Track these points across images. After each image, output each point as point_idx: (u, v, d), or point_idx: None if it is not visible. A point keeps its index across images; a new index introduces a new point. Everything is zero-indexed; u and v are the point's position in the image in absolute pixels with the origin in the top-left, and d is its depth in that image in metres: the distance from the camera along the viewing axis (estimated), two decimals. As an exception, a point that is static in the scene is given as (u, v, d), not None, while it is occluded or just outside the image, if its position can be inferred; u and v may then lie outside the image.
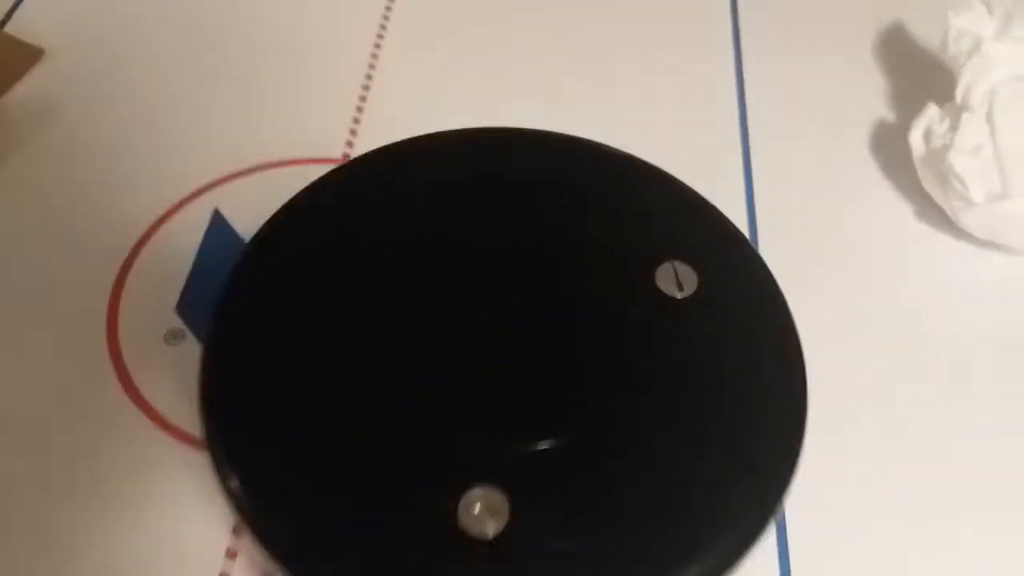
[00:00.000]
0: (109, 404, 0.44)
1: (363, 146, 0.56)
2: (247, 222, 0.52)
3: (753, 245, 0.26)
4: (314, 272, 0.26)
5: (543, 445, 0.21)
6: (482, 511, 0.20)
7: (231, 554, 0.40)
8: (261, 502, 0.22)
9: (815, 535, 0.41)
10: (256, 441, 0.23)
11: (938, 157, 0.52)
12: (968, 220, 0.52)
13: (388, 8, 0.65)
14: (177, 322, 0.47)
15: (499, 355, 0.22)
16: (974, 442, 0.45)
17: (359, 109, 0.58)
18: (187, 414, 0.44)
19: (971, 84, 0.53)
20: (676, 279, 0.23)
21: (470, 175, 0.26)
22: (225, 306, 0.25)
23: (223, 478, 0.23)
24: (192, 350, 0.47)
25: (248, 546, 0.40)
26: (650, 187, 0.26)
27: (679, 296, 0.24)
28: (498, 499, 0.20)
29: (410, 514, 0.20)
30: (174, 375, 0.46)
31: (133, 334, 0.47)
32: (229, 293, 0.26)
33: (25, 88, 0.58)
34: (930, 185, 0.54)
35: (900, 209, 0.56)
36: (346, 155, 0.56)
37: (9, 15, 0.62)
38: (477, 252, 0.24)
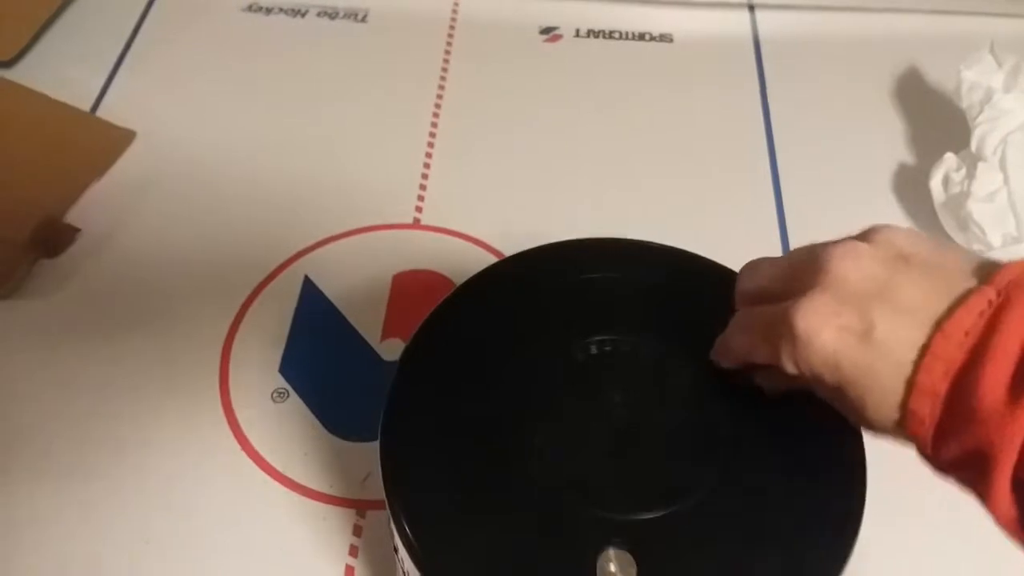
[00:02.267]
0: (227, 458, 0.50)
1: (429, 215, 0.62)
2: (335, 286, 0.58)
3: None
4: (473, 360, 0.31)
5: (662, 513, 0.27)
6: (616, 569, 0.26)
7: (346, 590, 0.46)
8: (438, 554, 0.27)
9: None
10: (432, 503, 0.28)
11: (957, 203, 0.57)
12: (987, 260, 0.57)
13: (439, 98, 0.71)
14: (281, 382, 0.53)
15: (627, 434, 0.27)
16: None
17: (422, 186, 0.63)
18: (297, 466, 0.50)
19: (985, 134, 0.58)
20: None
21: (607, 277, 0.32)
22: (408, 358, 0.31)
23: (394, 500, 0.28)
24: (297, 407, 0.52)
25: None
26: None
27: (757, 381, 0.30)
28: (627, 558, 0.26)
29: (557, 568, 0.25)
30: (282, 430, 0.51)
31: (243, 393, 0.52)
32: (412, 348, 0.31)
33: (122, 168, 0.64)
34: (951, 229, 0.59)
35: (924, 248, 0.61)
36: (416, 220, 0.62)
37: (99, 101, 0.68)
38: (613, 343, 0.30)
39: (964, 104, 0.60)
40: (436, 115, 0.68)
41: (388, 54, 0.72)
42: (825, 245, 0.28)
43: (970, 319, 0.24)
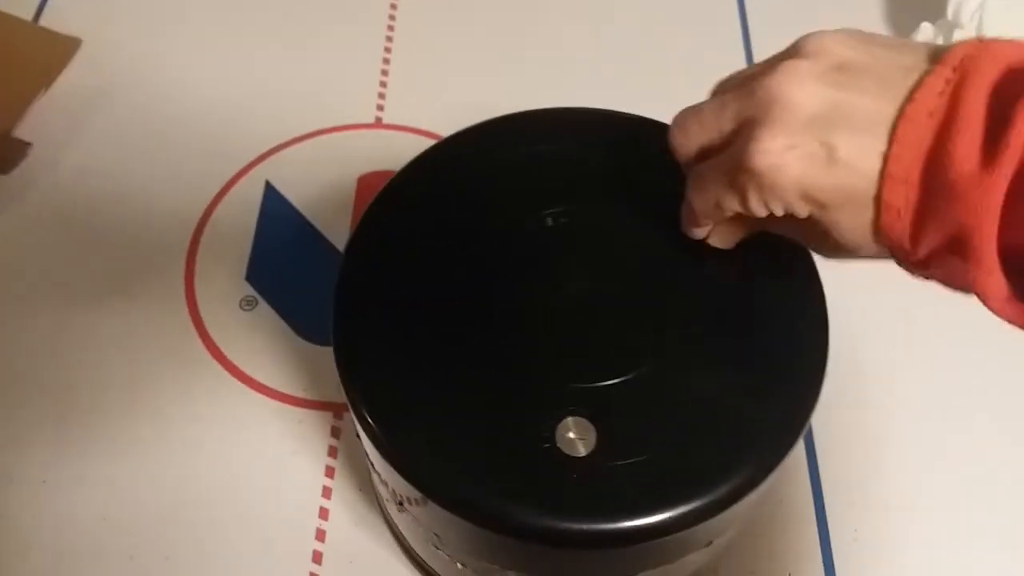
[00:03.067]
0: (198, 367, 0.49)
1: (392, 112, 0.60)
2: (297, 191, 0.56)
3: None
4: (430, 224, 0.30)
5: (619, 380, 0.26)
6: (575, 436, 0.25)
7: (326, 493, 0.46)
8: (387, 415, 0.26)
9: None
10: (389, 385, 0.27)
11: (933, 75, 0.56)
12: (963, 133, 0.56)
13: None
14: (249, 290, 0.52)
15: (583, 304, 0.27)
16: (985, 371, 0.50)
17: (382, 84, 0.61)
18: (271, 373, 0.49)
19: (961, 1, 0.56)
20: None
21: (555, 148, 0.30)
22: (354, 245, 0.30)
23: (350, 386, 0.27)
24: (266, 314, 0.52)
25: (342, 483, 0.46)
26: None
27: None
28: (586, 425, 0.25)
29: (517, 439, 0.25)
30: (254, 338, 0.51)
31: (210, 302, 0.52)
32: (357, 235, 0.30)
33: (69, 78, 0.61)
34: (927, 101, 0.57)
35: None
36: (378, 119, 0.60)
37: (40, 9, 0.64)
38: (565, 214, 0.29)
39: (941, -30, 0.57)
40: (392, 12, 0.65)
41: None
42: (756, 72, 0.27)
43: (931, 100, 0.23)
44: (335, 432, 0.48)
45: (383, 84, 0.61)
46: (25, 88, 0.60)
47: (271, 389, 0.49)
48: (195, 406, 0.48)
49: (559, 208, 0.30)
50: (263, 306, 0.52)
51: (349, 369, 0.28)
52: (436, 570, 0.33)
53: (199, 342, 0.50)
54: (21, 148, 0.57)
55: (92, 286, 0.52)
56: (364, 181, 0.57)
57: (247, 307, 0.52)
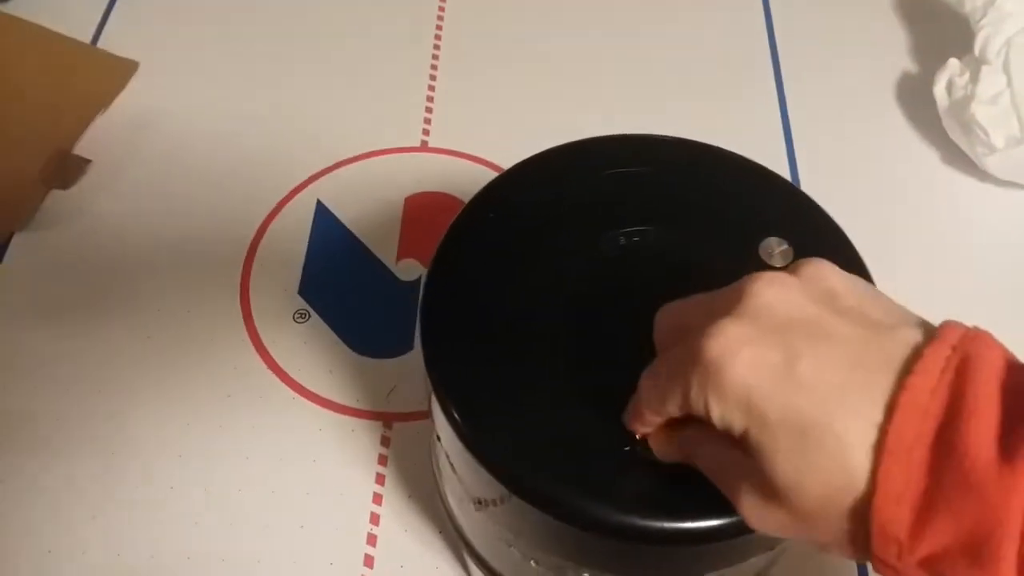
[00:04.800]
0: (253, 378, 0.51)
1: (437, 137, 0.62)
2: (347, 209, 0.59)
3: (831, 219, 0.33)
4: (508, 241, 0.31)
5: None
6: None
7: (377, 499, 0.48)
8: (474, 415, 0.28)
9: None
10: (469, 364, 0.29)
11: (961, 107, 0.58)
12: (991, 164, 0.58)
13: (439, 25, 0.70)
14: (302, 303, 0.54)
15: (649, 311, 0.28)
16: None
17: (428, 109, 0.63)
18: (323, 383, 0.51)
19: (988, 38, 0.58)
20: (775, 252, 0.30)
21: (623, 172, 0.32)
22: (439, 259, 0.32)
23: (439, 388, 0.29)
24: (318, 327, 0.53)
25: (392, 491, 0.48)
26: (754, 179, 0.33)
27: (778, 266, 0.30)
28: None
29: (602, 441, 0.27)
30: (306, 350, 0.52)
31: (265, 315, 0.53)
32: (441, 250, 0.32)
33: (127, 99, 0.63)
34: (955, 133, 0.60)
35: (928, 156, 0.62)
36: (424, 143, 0.62)
37: (99, 32, 0.67)
38: (639, 234, 0.31)
39: (967, 8, 0.60)
40: (438, 40, 0.68)
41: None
42: (750, 275, 0.24)
43: (933, 377, 0.21)
44: (385, 441, 0.49)
45: (429, 110, 0.63)
46: (84, 109, 0.62)
47: (323, 399, 0.51)
48: (250, 414, 0.50)
49: (633, 228, 0.32)
50: (315, 319, 0.54)
51: (437, 371, 0.29)
52: (502, 571, 0.35)
53: (255, 353, 0.52)
54: (81, 165, 0.60)
55: (148, 300, 0.54)
56: (411, 201, 0.59)
57: (300, 320, 0.54)
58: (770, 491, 0.23)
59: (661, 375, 0.25)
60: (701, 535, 0.26)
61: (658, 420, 0.26)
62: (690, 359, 0.24)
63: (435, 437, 0.33)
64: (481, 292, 0.31)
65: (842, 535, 0.22)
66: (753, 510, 0.24)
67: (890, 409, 0.21)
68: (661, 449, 0.27)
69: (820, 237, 0.32)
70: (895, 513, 0.21)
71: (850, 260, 0.31)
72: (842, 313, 0.23)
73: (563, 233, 0.32)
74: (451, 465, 0.31)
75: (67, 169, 0.59)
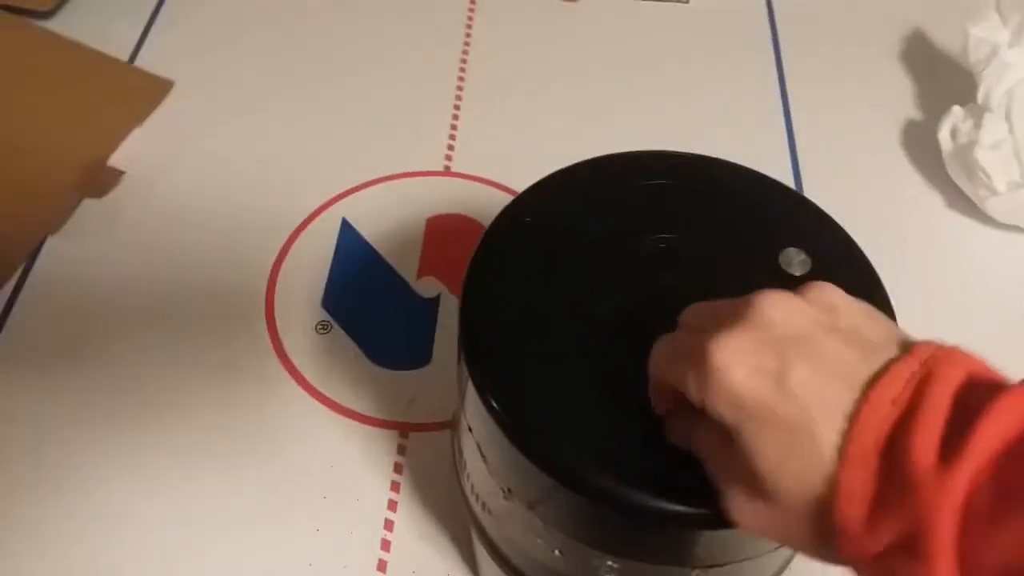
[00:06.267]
0: (277, 386, 0.52)
1: (460, 162, 0.64)
2: (370, 228, 0.61)
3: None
4: (541, 247, 0.34)
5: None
6: None
7: (392, 506, 0.49)
8: (513, 404, 0.29)
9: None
10: (507, 357, 0.31)
11: (964, 153, 0.60)
12: (993, 207, 0.60)
13: (464, 54, 0.73)
14: (324, 315, 0.56)
15: (665, 304, 0.30)
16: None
17: (451, 136, 0.66)
18: (343, 392, 0.52)
19: (991, 87, 0.61)
20: (794, 262, 0.32)
21: (649, 185, 0.34)
22: (476, 263, 0.34)
23: (478, 378, 0.30)
24: (340, 339, 0.55)
25: (407, 498, 0.49)
26: (773, 193, 0.35)
27: (797, 274, 0.32)
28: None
29: (638, 431, 0.29)
30: (327, 360, 0.54)
31: (288, 325, 0.55)
32: (479, 255, 0.34)
33: (162, 115, 0.66)
34: (958, 177, 0.62)
35: (932, 199, 0.64)
36: (446, 167, 0.64)
37: (136, 51, 0.70)
38: (660, 240, 0.33)
39: (971, 59, 0.63)
40: (462, 70, 0.70)
41: (414, 12, 0.74)
42: (763, 291, 0.27)
43: (896, 388, 0.24)
44: (401, 450, 0.51)
45: (452, 136, 0.66)
46: (120, 123, 0.65)
47: (343, 407, 0.52)
48: (273, 422, 0.51)
49: (659, 237, 0.34)
50: (337, 331, 0.55)
51: (477, 364, 0.31)
52: (523, 568, 0.36)
53: (278, 362, 0.54)
54: (115, 176, 0.62)
55: (174, 306, 0.56)
56: (433, 222, 0.61)
57: (322, 331, 0.55)
58: (753, 485, 0.26)
59: (664, 353, 0.29)
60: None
61: (664, 397, 0.29)
62: (696, 355, 0.26)
63: (464, 429, 0.34)
64: (516, 292, 0.33)
65: (813, 533, 0.25)
66: (736, 502, 0.27)
67: (854, 418, 0.24)
68: (673, 433, 0.29)
69: (836, 248, 0.34)
70: (852, 513, 0.24)
71: (864, 271, 0.33)
72: (838, 332, 0.26)
73: (592, 239, 0.34)
74: (483, 457, 0.33)
75: (101, 179, 0.61)
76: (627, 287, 0.33)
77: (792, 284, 0.31)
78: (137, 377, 0.52)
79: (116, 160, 0.63)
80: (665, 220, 0.34)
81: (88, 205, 0.60)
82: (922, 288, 0.59)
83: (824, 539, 0.25)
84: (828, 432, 0.24)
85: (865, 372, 0.24)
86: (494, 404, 0.30)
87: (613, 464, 0.28)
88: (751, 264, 0.33)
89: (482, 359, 0.31)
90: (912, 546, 0.22)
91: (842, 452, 0.24)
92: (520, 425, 0.29)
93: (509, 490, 0.32)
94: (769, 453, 0.25)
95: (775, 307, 0.26)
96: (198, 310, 0.56)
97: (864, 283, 0.33)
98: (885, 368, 0.24)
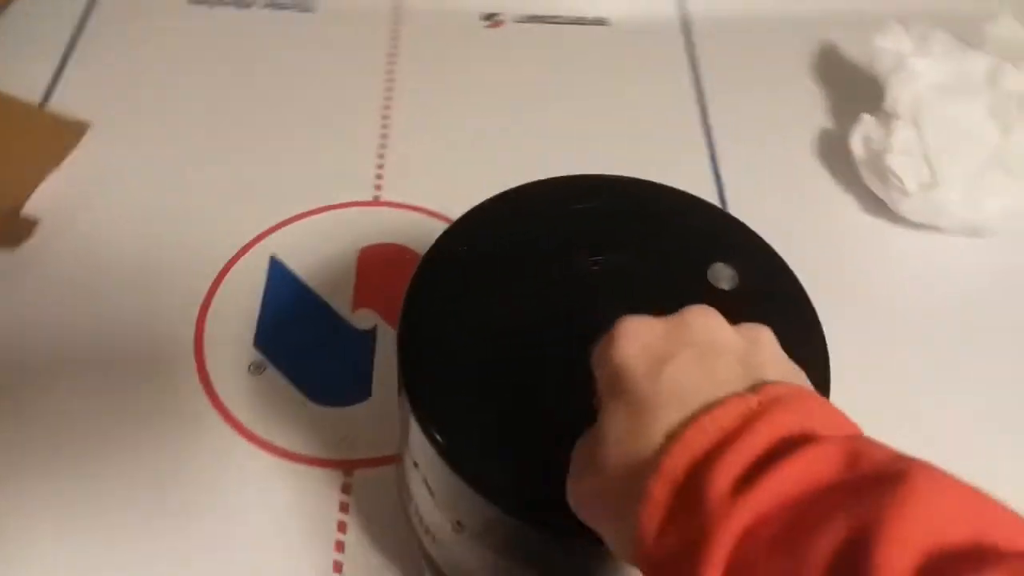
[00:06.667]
0: (210, 431, 0.51)
1: (390, 191, 0.64)
2: (301, 263, 0.60)
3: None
4: (476, 274, 0.34)
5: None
6: None
7: (339, 547, 0.48)
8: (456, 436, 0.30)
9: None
10: (448, 386, 0.31)
11: (876, 158, 0.63)
12: (906, 208, 0.62)
13: (389, 82, 0.73)
14: (257, 355, 0.55)
15: (598, 323, 0.31)
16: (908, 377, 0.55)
17: (379, 165, 0.66)
18: (280, 433, 0.51)
19: (898, 95, 0.63)
20: (722, 276, 0.33)
21: (581, 208, 0.35)
22: (412, 293, 0.33)
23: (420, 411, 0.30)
24: (274, 378, 0.54)
25: (355, 537, 0.48)
26: (699, 211, 0.36)
27: (726, 288, 0.33)
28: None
29: (552, 430, 0.29)
30: (263, 401, 0.53)
31: (220, 369, 0.54)
32: (414, 285, 0.34)
33: (77, 159, 0.64)
34: (872, 183, 0.64)
35: (847, 203, 0.66)
36: (376, 197, 0.64)
37: (49, 94, 0.68)
38: (592, 262, 0.33)
39: (878, 69, 0.65)
40: (388, 97, 0.70)
41: (336, 42, 0.74)
42: (694, 305, 0.28)
43: (727, 419, 0.24)
44: (346, 488, 0.50)
45: (380, 165, 0.66)
46: (33, 170, 0.62)
47: (282, 450, 0.51)
48: (209, 472, 0.50)
49: (593, 258, 0.34)
50: (271, 371, 0.54)
51: (417, 395, 0.31)
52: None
53: (210, 406, 0.52)
54: (29, 226, 0.59)
55: (99, 356, 0.54)
56: (365, 253, 0.60)
57: (255, 372, 0.54)
58: (592, 454, 0.27)
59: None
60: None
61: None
62: (609, 331, 0.27)
63: (408, 464, 0.34)
64: (454, 321, 0.33)
65: (619, 521, 0.26)
66: (574, 470, 0.28)
67: (678, 435, 0.25)
68: None
69: (761, 262, 0.35)
70: (651, 515, 0.24)
71: (788, 281, 0.34)
72: (745, 361, 0.27)
73: (527, 264, 0.34)
74: (429, 490, 0.32)
75: (15, 229, 0.59)
76: (563, 309, 0.33)
77: (721, 298, 0.32)
78: (61, 431, 0.50)
79: (33, 205, 0.61)
80: (597, 242, 0.35)
81: (2, 256, 0.58)
82: (844, 291, 0.60)
83: (624, 530, 0.25)
84: (661, 432, 0.25)
85: (722, 390, 0.25)
86: (438, 437, 0.30)
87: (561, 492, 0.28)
88: (682, 281, 0.33)
89: (423, 393, 0.31)
90: (692, 550, 0.23)
91: (656, 465, 0.24)
92: (465, 456, 0.29)
93: (458, 523, 0.32)
94: (616, 427, 0.26)
95: (698, 315, 0.27)
96: (123, 358, 0.54)
97: (789, 293, 0.34)
98: (721, 401, 0.25)
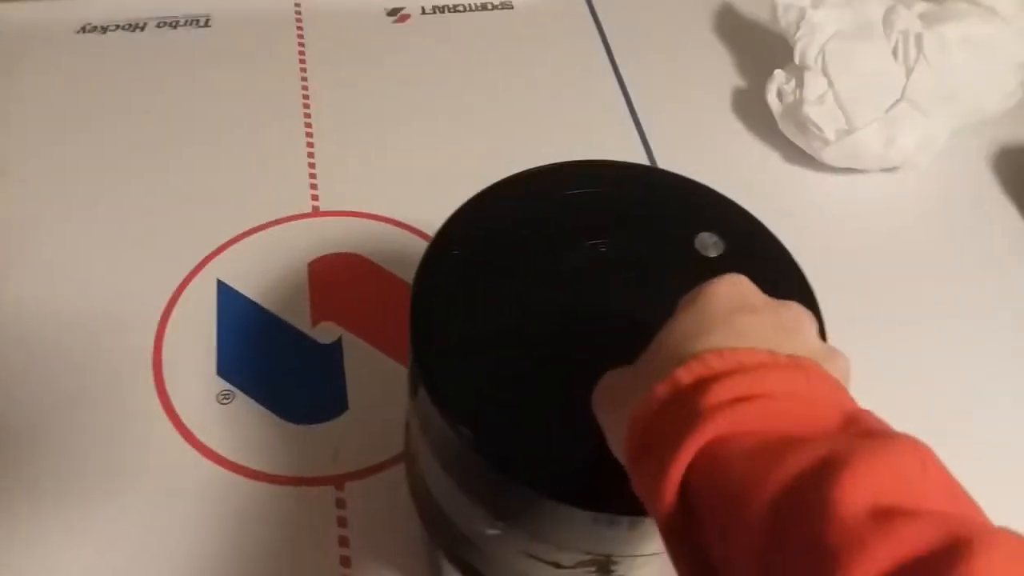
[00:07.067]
0: (190, 471, 0.49)
1: (327, 200, 0.63)
2: (249, 283, 0.58)
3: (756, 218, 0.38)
4: (483, 259, 0.35)
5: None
6: None
7: (345, 562, 0.47)
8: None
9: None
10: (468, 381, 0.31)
11: (793, 110, 0.66)
12: (828, 155, 0.65)
13: (304, 89, 0.71)
14: (223, 384, 0.53)
15: (603, 303, 0.33)
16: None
17: (312, 175, 0.64)
18: (262, 459, 0.50)
19: (805, 47, 0.66)
20: (709, 244, 0.34)
21: (579, 194, 0.36)
22: (420, 280, 0.34)
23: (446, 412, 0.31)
24: (246, 404, 0.52)
25: (358, 550, 0.47)
26: (685, 190, 0.37)
27: (713, 255, 0.34)
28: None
29: (558, 406, 0.30)
30: (238, 429, 0.51)
31: (187, 402, 0.52)
32: (422, 273, 0.34)
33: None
34: (791, 133, 0.67)
35: (769, 156, 0.69)
36: (315, 207, 0.63)
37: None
38: (592, 244, 0.34)
39: (782, 24, 0.68)
40: (306, 105, 0.69)
41: (241, 54, 0.72)
42: (715, 278, 0.30)
43: (750, 359, 0.26)
44: (341, 503, 0.49)
45: (313, 176, 0.64)
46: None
47: (268, 475, 0.50)
48: (196, 512, 0.48)
49: (590, 240, 0.35)
50: (241, 397, 0.53)
51: (442, 396, 0.31)
52: None
53: (185, 445, 0.50)
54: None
55: (59, 420, 0.51)
56: (315, 265, 0.59)
57: (225, 401, 0.52)
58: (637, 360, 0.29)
59: None
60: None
61: None
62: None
63: (428, 469, 0.34)
64: (461, 316, 0.33)
65: (621, 415, 0.27)
66: (615, 370, 0.30)
67: (698, 355, 0.26)
68: None
69: (741, 225, 0.36)
70: (646, 405, 0.26)
71: (767, 239, 0.36)
72: (809, 347, 0.28)
73: (527, 255, 0.35)
74: (464, 492, 0.32)
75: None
76: (570, 293, 0.34)
77: (711, 265, 0.33)
78: (25, 490, 0.48)
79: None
80: (593, 225, 0.35)
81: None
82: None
83: (622, 420, 0.27)
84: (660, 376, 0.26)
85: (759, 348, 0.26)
86: (466, 431, 0.30)
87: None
88: (670, 252, 0.34)
89: (446, 389, 0.31)
90: (675, 439, 0.25)
91: (672, 369, 0.26)
92: (497, 447, 0.30)
93: (497, 517, 0.32)
94: (668, 336, 0.28)
95: (798, 308, 0.29)
96: (81, 415, 0.51)
97: (769, 249, 0.35)
98: (759, 349, 0.26)
